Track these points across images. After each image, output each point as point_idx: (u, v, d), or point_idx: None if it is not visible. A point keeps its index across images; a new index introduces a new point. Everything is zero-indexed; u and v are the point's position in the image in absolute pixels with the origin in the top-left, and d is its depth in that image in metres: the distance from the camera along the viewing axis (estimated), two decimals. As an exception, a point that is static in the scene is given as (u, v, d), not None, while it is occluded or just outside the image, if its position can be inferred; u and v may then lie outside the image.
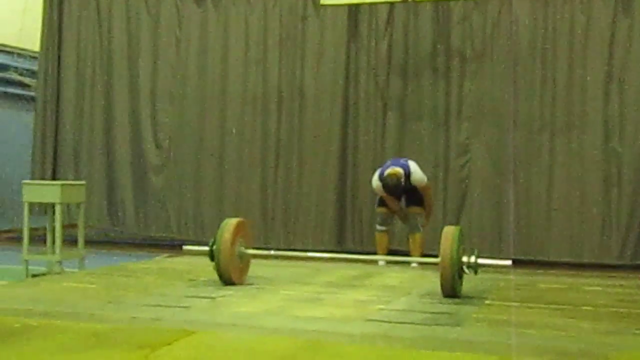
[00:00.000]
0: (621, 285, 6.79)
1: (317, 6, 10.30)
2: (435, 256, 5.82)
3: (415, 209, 8.69)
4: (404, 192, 8.57)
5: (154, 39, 11.16)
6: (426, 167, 9.37)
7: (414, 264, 8.00)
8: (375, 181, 8.56)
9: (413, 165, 8.55)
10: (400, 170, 8.42)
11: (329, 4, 10.04)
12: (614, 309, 5.46)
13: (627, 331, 4.63)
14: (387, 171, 8.44)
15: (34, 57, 12.29)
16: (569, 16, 9.62)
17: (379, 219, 8.80)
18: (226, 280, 6.13)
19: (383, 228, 8.79)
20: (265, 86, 10.66)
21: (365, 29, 10.33)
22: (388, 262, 8.22)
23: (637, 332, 4.61)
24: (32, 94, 12.38)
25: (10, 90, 12.98)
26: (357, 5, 10.18)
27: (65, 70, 11.48)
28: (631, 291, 6.47)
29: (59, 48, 11.50)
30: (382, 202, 8.73)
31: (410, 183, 8.47)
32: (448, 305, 5.42)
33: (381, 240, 8.78)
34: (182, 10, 11.08)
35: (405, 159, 8.80)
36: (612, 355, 3.91)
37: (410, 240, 8.71)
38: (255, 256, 6.71)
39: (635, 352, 4.07)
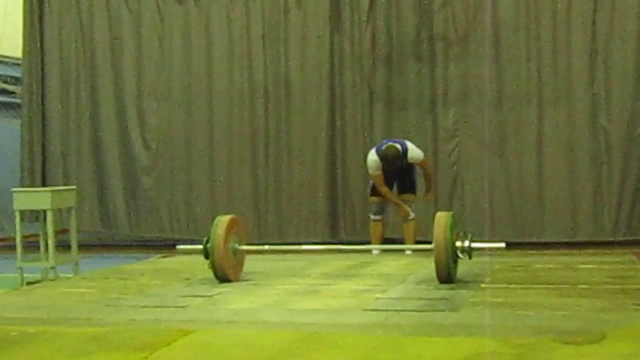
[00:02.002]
0: (616, 262, 6.83)
1: (299, -2, 10.29)
2: (430, 242, 5.84)
3: (408, 196, 8.67)
4: (399, 171, 8.54)
5: (137, 39, 11.10)
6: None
7: (408, 252, 8.01)
8: (372, 156, 8.48)
9: (410, 144, 8.55)
10: (398, 145, 8.44)
11: (310, -4, 10.03)
12: (610, 286, 5.50)
13: (624, 307, 4.67)
14: (386, 145, 8.47)
15: (17, 64, 12.23)
16: (551, -5, 9.64)
17: (373, 208, 8.78)
18: (222, 278, 6.14)
19: (377, 217, 8.77)
20: (250, 81, 10.63)
21: (348, 19, 10.31)
22: (382, 251, 8.24)
23: (634, 307, 4.65)
24: (17, 100, 12.32)
25: (-6, 98, 12.93)
26: (339, -5, 10.18)
27: (49, 75, 11.41)
28: (626, 267, 6.51)
29: (42, 53, 11.42)
30: (374, 191, 8.68)
31: (407, 161, 8.44)
32: (444, 291, 5.44)
33: (375, 229, 8.77)
34: (163, 9, 11.01)
35: (400, 139, 8.78)
36: (610, 331, 3.94)
37: (404, 227, 8.71)
38: (249, 252, 6.72)
39: (632, 327, 4.09)
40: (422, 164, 8.69)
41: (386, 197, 8.65)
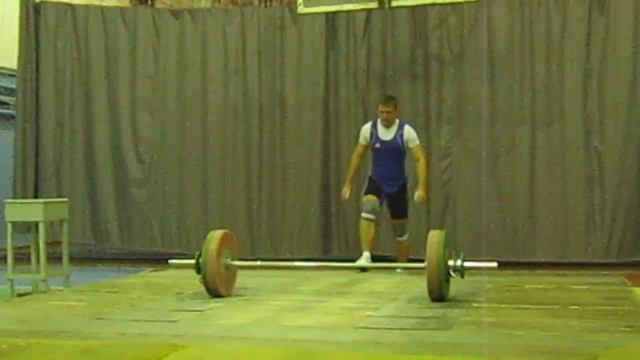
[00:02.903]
0: (607, 283, 6.83)
1: (295, 15, 10.30)
2: (422, 261, 5.84)
3: (400, 221, 8.58)
4: (393, 161, 8.35)
5: (132, 52, 11.12)
6: (408, 171, 9.46)
7: (399, 270, 7.99)
8: (366, 124, 8.56)
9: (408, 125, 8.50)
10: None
11: (306, 13, 10.05)
12: (601, 307, 5.49)
13: (615, 329, 4.66)
14: None
15: (12, 75, 12.23)
16: (545, 16, 9.69)
17: (365, 206, 8.30)
18: (213, 293, 6.12)
19: (371, 216, 8.27)
20: (245, 96, 10.65)
21: (344, 36, 10.35)
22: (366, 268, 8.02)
23: (625, 329, 4.64)
24: (11, 111, 12.31)
25: (-11, 109, 12.91)
26: (335, 14, 10.19)
27: (43, 87, 11.41)
28: (617, 288, 6.51)
29: (37, 65, 11.42)
30: (369, 190, 8.39)
31: (402, 139, 8.27)
32: (436, 310, 5.43)
33: (368, 230, 8.27)
34: (159, 23, 11.04)
35: None
36: (601, 352, 3.94)
37: (397, 246, 8.66)
38: (241, 267, 6.70)
39: (623, 349, 4.09)
40: (416, 150, 8.37)
41: (349, 171, 8.62)
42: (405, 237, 8.56)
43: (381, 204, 8.46)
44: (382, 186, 8.42)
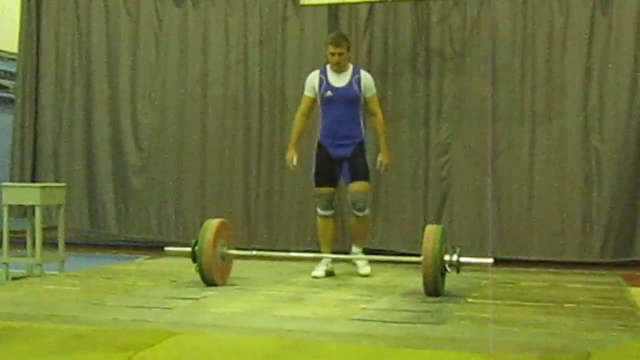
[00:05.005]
0: (602, 282, 6.86)
1: (298, 7, 10.27)
2: (417, 255, 5.85)
3: (360, 186, 7.23)
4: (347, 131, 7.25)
5: (134, 39, 11.08)
6: (407, 166, 9.51)
7: (363, 269, 7.25)
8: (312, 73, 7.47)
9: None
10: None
11: (309, 4, 10.02)
12: (596, 306, 5.51)
13: (609, 327, 4.67)
14: None
15: (12, 59, 12.21)
16: (548, 15, 9.65)
17: (320, 202, 7.30)
18: (209, 281, 6.14)
19: (327, 213, 7.29)
20: (246, 87, 10.61)
21: (346, 29, 10.30)
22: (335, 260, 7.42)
23: (619, 328, 4.66)
24: (11, 95, 12.29)
25: (-12, 92, 12.89)
26: (337, 6, 10.16)
27: (43, 71, 11.38)
28: (612, 288, 6.54)
29: (38, 49, 11.39)
30: (319, 180, 7.34)
31: (359, 84, 7.19)
32: (431, 304, 5.45)
33: (326, 227, 7.34)
34: (161, 11, 11.00)
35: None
36: (595, 351, 3.94)
37: (354, 222, 7.44)
38: (237, 257, 6.71)
39: (617, 348, 4.10)
40: (374, 100, 7.31)
41: (293, 134, 7.61)
42: (366, 212, 7.32)
43: (337, 182, 7.42)
44: (335, 152, 7.31)
